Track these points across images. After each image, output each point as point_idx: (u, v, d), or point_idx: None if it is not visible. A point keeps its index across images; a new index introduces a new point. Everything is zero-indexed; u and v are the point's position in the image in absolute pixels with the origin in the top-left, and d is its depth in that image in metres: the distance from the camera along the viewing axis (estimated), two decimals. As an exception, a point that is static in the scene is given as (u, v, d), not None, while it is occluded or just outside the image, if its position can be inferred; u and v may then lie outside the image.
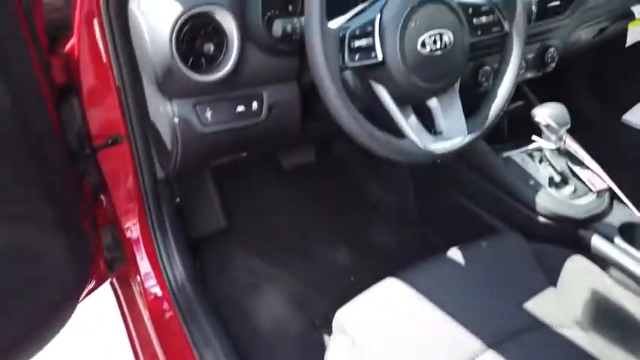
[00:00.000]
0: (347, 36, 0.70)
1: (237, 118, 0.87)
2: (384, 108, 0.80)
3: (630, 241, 1.08)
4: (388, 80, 0.76)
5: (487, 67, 1.10)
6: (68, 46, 1.00)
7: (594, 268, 0.97)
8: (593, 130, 1.63)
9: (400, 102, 0.79)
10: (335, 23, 0.72)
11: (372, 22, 0.73)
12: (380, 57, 0.73)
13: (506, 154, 1.18)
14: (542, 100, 1.30)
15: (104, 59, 0.91)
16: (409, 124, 0.79)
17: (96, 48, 0.91)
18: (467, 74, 1.10)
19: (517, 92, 1.31)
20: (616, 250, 1.04)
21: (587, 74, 1.80)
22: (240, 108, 0.87)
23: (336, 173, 1.59)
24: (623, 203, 1.16)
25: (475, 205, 1.24)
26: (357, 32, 0.71)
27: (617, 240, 1.06)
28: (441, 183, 1.31)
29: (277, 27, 0.74)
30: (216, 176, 1.40)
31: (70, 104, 1.02)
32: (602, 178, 1.14)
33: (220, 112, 0.86)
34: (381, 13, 0.73)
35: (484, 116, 0.83)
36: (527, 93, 1.30)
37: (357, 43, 0.71)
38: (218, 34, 0.79)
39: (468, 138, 0.81)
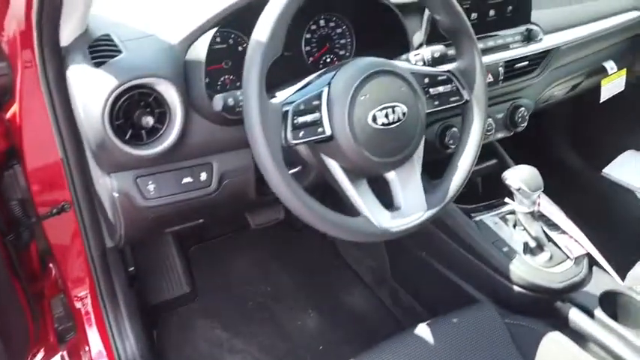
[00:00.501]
0: (290, 112, 0.66)
1: (184, 190, 0.82)
2: (336, 181, 0.74)
3: (612, 313, 1.02)
4: (338, 155, 0.71)
5: (455, 129, 1.06)
6: (10, 112, 0.95)
7: (572, 347, 0.90)
8: (573, 184, 1.59)
9: (354, 176, 0.74)
10: (278, 98, 0.68)
11: (319, 96, 0.68)
12: (328, 132, 0.68)
13: (478, 218, 1.13)
14: (521, 155, 1.26)
15: (47, 127, 0.86)
16: (364, 200, 0.73)
17: (39, 115, 0.87)
18: (433, 136, 1.06)
19: (490, 150, 1.27)
20: (596, 324, 0.98)
21: (566, 127, 1.78)
22: (187, 179, 0.82)
23: (308, 231, 1.52)
24: (604, 270, 1.10)
25: (448, 270, 1.18)
26: (302, 107, 0.67)
27: (598, 312, 1.00)
28: (414, 245, 1.25)
29: (217, 102, 0.69)
30: (178, 238, 1.33)
31: (13, 171, 0.97)
32: (579, 243, 1.09)
33: (165, 184, 0.80)
34: (329, 86, 0.69)
35: (445, 190, 0.78)
36: (501, 152, 1.26)
37: (302, 119, 0.67)
38: (160, 105, 0.75)
39: (427, 215, 0.76)
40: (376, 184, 0.76)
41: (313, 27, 1.00)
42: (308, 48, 1.00)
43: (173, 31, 0.77)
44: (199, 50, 0.76)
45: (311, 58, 1.01)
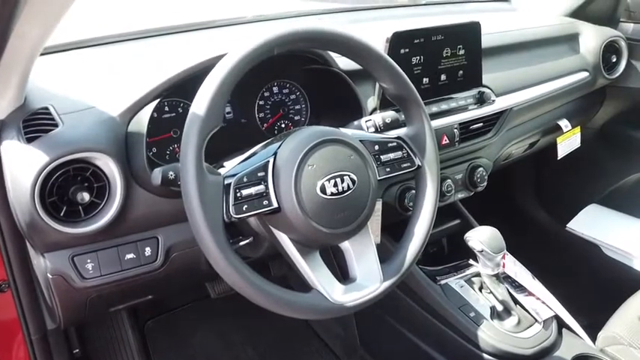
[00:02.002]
0: (233, 185, 0.63)
1: (127, 267, 0.77)
2: (287, 254, 0.71)
3: (585, 378, 0.98)
4: (287, 227, 0.68)
5: (414, 191, 1.05)
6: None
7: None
8: (539, 241, 1.59)
9: (306, 247, 0.70)
10: (219, 171, 0.65)
11: (264, 167, 0.66)
12: (275, 204, 0.65)
13: (444, 281, 1.10)
14: (486, 213, 1.25)
15: None
16: (316, 274, 0.69)
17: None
18: (392, 199, 1.04)
19: (454, 210, 1.26)
20: (570, 393, 0.93)
21: (529, 184, 1.80)
22: (130, 255, 0.77)
23: None
24: (573, 332, 1.07)
25: (417, 338, 1.13)
26: (246, 179, 0.64)
27: (570, 379, 0.96)
28: (382, 311, 1.20)
29: (156, 175, 0.66)
30: (132, 312, 1.25)
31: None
32: (547, 305, 1.06)
33: (105, 262, 0.75)
34: (275, 156, 0.67)
35: (402, 259, 0.75)
36: (464, 212, 1.25)
37: (246, 192, 0.64)
38: (99, 179, 0.71)
39: (383, 287, 0.72)
40: (330, 254, 0.73)
41: (266, 94, 1.00)
42: (262, 114, 0.99)
43: (115, 102, 0.75)
44: (141, 122, 0.74)
45: (265, 124, 1.00)
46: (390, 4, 1.55)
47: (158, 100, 0.75)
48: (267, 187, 0.65)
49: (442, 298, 1.05)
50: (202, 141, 0.61)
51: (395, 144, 0.77)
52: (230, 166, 0.68)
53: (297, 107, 1.03)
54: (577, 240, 1.58)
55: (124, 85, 0.78)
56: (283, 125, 1.02)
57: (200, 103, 0.61)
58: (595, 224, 1.58)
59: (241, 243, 0.80)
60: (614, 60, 1.46)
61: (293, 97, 1.02)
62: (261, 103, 0.99)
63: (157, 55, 0.96)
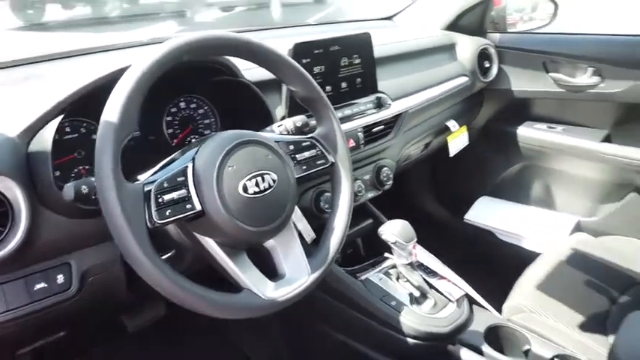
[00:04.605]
0: (153, 190, 0.62)
1: (36, 299, 0.71)
2: (214, 259, 0.71)
3: (497, 346, 1.08)
4: (213, 230, 0.68)
5: (328, 194, 1.10)
6: None
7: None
8: (442, 233, 1.71)
9: (232, 249, 0.71)
10: (138, 179, 0.64)
11: (183, 172, 0.66)
12: (198, 207, 0.66)
13: (364, 276, 1.15)
14: (393, 212, 1.33)
15: None
16: (245, 274, 0.70)
17: None
18: (308, 202, 1.08)
19: (365, 211, 1.33)
20: (485, 360, 1.02)
21: (428, 182, 1.95)
22: (40, 285, 0.72)
23: (195, 324, 1.40)
24: (482, 307, 1.17)
25: (344, 335, 1.16)
26: (166, 184, 0.64)
27: (485, 348, 1.05)
28: (306, 317, 1.22)
29: (68, 191, 0.63)
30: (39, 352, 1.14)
31: None
32: (457, 286, 1.15)
33: (11, 295, 0.69)
34: (193, 161, 0.67)
35: (326, 251, 0.79)
36: (374, 211, 1.32)
37: (168, 197, 0.63)
38: (1, 204, 0.66)
39: (312, 278, 0.75)
40: (257, 255, 0.74)
41: (173, 109, 0.99)
42: (170, 130, 0.98)
43: (12, 123, 0.70)
44: (44, 141, 0.70)
45: (174, 140, 0.99)
46: (286, 25, 1.62)
47: (61, 117, 0.72)
48: (188, 191, 0.65)
49: (364, 291, 1.10)
50: (118, 147, 0.59)
51: (308, 143, 0.81)
52: (145, 176, 0.67)
53: (207, 121, 1.03)
54: (474, 229, 1.74)
55: (22, 106, 0.73)
56: (193, 140, 1.01)
57: (113, 109, 0.60)
58: (488, 214, 1.76)
59: (163, 257, 0.78)
60: (488, 65, 1.65)
61: (201, 111, 1.02)
62: (168, 119, 0.98)
63: (56, 76, 0.92)
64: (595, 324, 1.10)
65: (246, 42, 0.74)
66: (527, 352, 1.06)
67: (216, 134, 0.72)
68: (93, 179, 0.66)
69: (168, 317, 1.30)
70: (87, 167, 0.84)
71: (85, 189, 0.63)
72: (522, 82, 1.66)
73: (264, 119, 0.98)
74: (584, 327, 1.10)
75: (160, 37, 1.24)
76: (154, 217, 0.61)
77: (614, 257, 1.28)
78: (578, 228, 1.60)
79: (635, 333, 0.72)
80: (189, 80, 0.97)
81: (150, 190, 0.62)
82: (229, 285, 0.71)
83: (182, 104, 1.00)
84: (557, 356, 1.03)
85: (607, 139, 1.56)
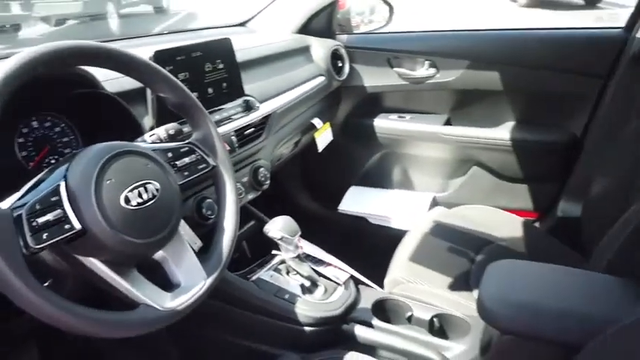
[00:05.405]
0: (24, 214, 0.57)
1: None
2: (102, 279, 0.67)
3: (383, 317, 1.17)
4: (97, 249, 0.64)
5: (209, 200, 1.09)
6: None
7: None
8: (321, 225, 1.79)
9: (121, 266, 0.68)
10: (5, 204, 0.58)
11: (56, 191, 0.61)
12: (78, 226, 0.61)
13: (255, 277, 1.17)
14: (274, 211, 1.37)
15: None
16: (139, 289, 0.67)
17: None
18: (190, 211, 1.06)
19: (247, 213, 1.34)
20: (377, 332, 1.10)
21: (303, 179, 2.02)
22: None
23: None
24: (367, 285, 1.26)
25: (244, 339, 1.16)
26: (39, 207, 0.59)
27: (374, 322, 1.13)
28: (204, 329, 1.20)
29: None
30: None
31: None
32: (343, 270, 1.23)
33: None
34: (66, 178, 0.63)
35: (219, 254, 0.79)
36: (256, 212, 1.34)
37: (42, 220, 0.58)
38: None
39: (208, 282, 0.75)
40: (148, 268, 0.71)
41: (25, 130, 0.90)
42: (25, 153, 0.89)
43: None
44: None
45: (31, 163, 0.90)
46: (141, 35, 1.56)
47: None
48: (64, 210, 0.61)
49: (257, 291, 1.12)
50: None
51: (187, 149, 0.80)
52: (11, 200, 0.61)
53: (66, 139, 0.95)
54: (349, 218, 1.86)
55: None
56: (53, 161, 0.93)
57: None
58: (358, 202, 1.89)
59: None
60: (340, 65, 1.77)
61: (58, 129, 0.94)
62: (20, 141, 0.89)
63: None
64: (461, 283, 1.26)
65: (108, 50, 0.71)
66: (410, 318, 1.17)
67: (86, 148, 0.68)
68: None
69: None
70: None
71: None
72: (372, 78, 1.82)
73: (133, 131, 0.94)
74: (453, 287, 1.24)
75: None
76: (29, 242, 0.56)
77: (468, 223, 1.47)
78: (435, 203, 1.81)
79: (492, 282, 0.84)
80: (43, 97, 0.89)
81: (21, 215, 0.57)
82: (121, 304, 0.67)
83: (34, 123, 0.91)
84: (435, 316, 1.16)
85: (448, 123, 1.79)
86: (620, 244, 0.82)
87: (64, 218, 0.60)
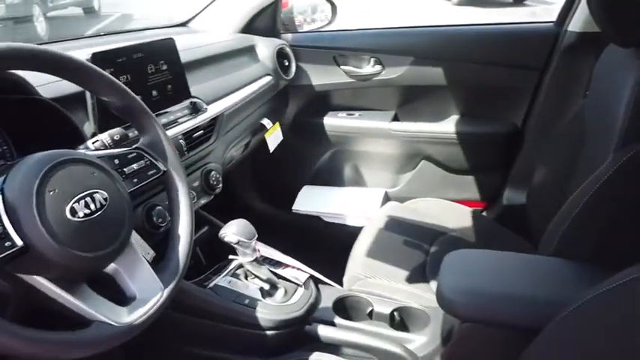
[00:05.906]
0: None
1: None
2: (50, 298, 0.62)
3: (345, 314, 1.17)
4: (42, 266, 0.60)
5: (159, 207, 1.04)
6: None
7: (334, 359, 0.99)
8: (277, 227, 1.77)
9: (69, 283, 0.63)
10: None
11: None
12: (19, 243, 0.57)
13: (212, 284, 1.13)
14: (226, 215, 1.33)
15: None
16: (91, 306, 0.63)
17: None
18: (140, 220, 1.01)
19: (199, 219, 1.30)
20: (339, 330, 1.10)
21: (254, 182, 1.99)
22: None
23: None
24: (326, 283, 1.26)
25: (207, 349, 1.12)
26: None
27: (336, 320, 1.13)
28: (166, 343, 1.14)
29: None
30: None
31: None
32: (301, 270, 1.22)
33: None
34: (2, 192, 0.58)
35: (175, 263, 0.75)
36: (209, 217, 1.30)
37: None
38: None
39: (166, 293, 0.71)
40: (98, 283, 0.67)
41: None
42: None
43: None
44: None
45: None
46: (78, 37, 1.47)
47: None
48: (3, 226, 0.56)
49: (216, 298, 1.08)
50: None
51: (135, 154, 0.76)
52: None
53: None
54: (303, 217, 1.84)
55: None
56: None
57: None
58: (312, 201, 1.88)
59: None
60: (287, 64, 1.76)
61: None
62: None
63: None
64: (418, 275, 1.28)
65: (32, 50, 0.66)
66: (371, 313, 1.18)
67: (24, 158, 0.63)
68: None
69: None
70: None
71: None
72: (319, 76, 1.82)
73: (73, 138, 0.88)
74: (410, 279, 1.26)
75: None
76: None
77: (420, 216, 1.50)
78: (387, 198, 1.83)
79: (450, 272, 0.86)
80: None
81: None
82: (74, 322, 0.63)
83: None
84: (395, 310, 1.17)
85: (395, 119, 1.81)
86: (564, 229, 0.86)
87: (4, 235, 0.56)
